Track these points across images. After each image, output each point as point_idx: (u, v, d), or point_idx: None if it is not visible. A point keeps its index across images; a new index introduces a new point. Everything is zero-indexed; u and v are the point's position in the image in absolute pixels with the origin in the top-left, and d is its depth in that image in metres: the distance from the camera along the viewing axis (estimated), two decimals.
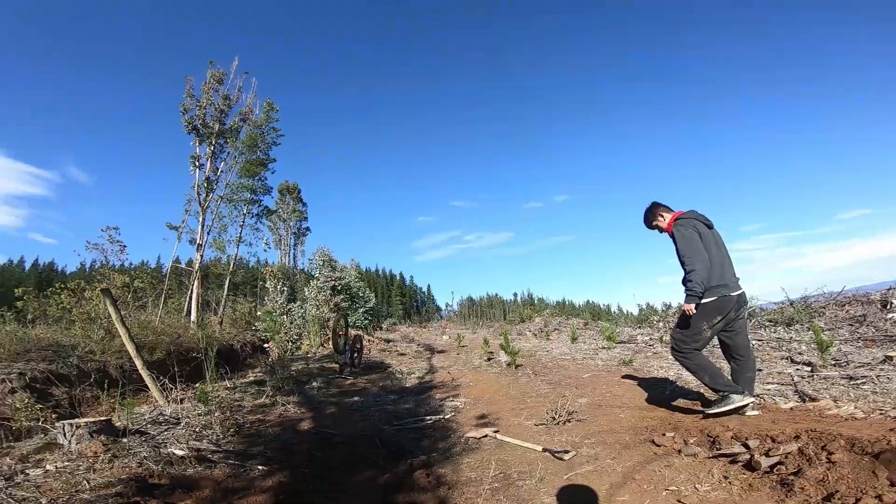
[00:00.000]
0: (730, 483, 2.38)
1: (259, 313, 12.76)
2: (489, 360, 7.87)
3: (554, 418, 3.77)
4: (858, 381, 4.48)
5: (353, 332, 11.59)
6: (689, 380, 5.59)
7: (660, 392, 4.93)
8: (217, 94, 14.25)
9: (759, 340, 8.94)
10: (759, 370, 5.75)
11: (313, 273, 14.94)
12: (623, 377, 5.72)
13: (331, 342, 12.65)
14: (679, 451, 2.86)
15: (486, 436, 3.65)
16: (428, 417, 4.79)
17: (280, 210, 27.88)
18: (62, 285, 9.79)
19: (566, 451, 3.03)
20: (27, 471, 3.11)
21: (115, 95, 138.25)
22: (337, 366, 9.16)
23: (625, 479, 2.68)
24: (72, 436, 3.70)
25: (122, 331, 5.02)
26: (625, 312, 26.35)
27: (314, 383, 7.50)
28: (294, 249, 29.61)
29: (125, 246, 11.69)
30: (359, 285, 15.36)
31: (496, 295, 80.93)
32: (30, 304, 9.85)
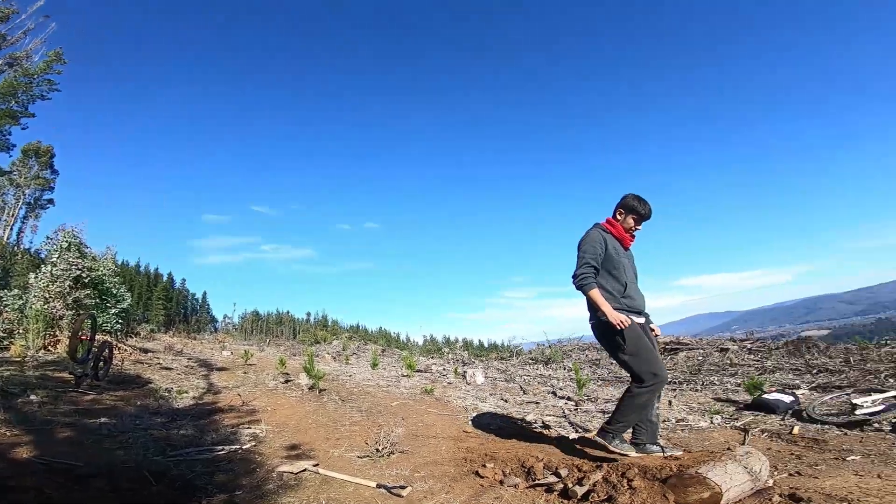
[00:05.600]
0: None
1: None
2: (287, 382, 7.11)
3: (378, 450, 3.53)
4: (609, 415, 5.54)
5: (100, 336, 9.10)
6: (482, 408, 6.04)
7: (463, 421, 5.16)
8: None
9: (527, 376, 10.42)
10: (537, 403, 6.62)
11: (48, 256, 11.30)
12: (429, 407, 5.85)
13: (63, 346, 9.67)
14: (501, 483, 2.97)
15: (304, 470, 3.16)
16: (219, 447, 3.93)
17: (16, 173, 20.70)
18: None
19: (402, 487, 2.83)
20: None
21: None
22: (71, 377, 6.99)
23: None
24: None
25: None
26: (412, 342, 28.03)
27: (32, 397, 5.52)
28: (23, 223, 22.14)
29: None
30: (114, 280, 12.27)
31: (287, 312, 75.35)
32: None
